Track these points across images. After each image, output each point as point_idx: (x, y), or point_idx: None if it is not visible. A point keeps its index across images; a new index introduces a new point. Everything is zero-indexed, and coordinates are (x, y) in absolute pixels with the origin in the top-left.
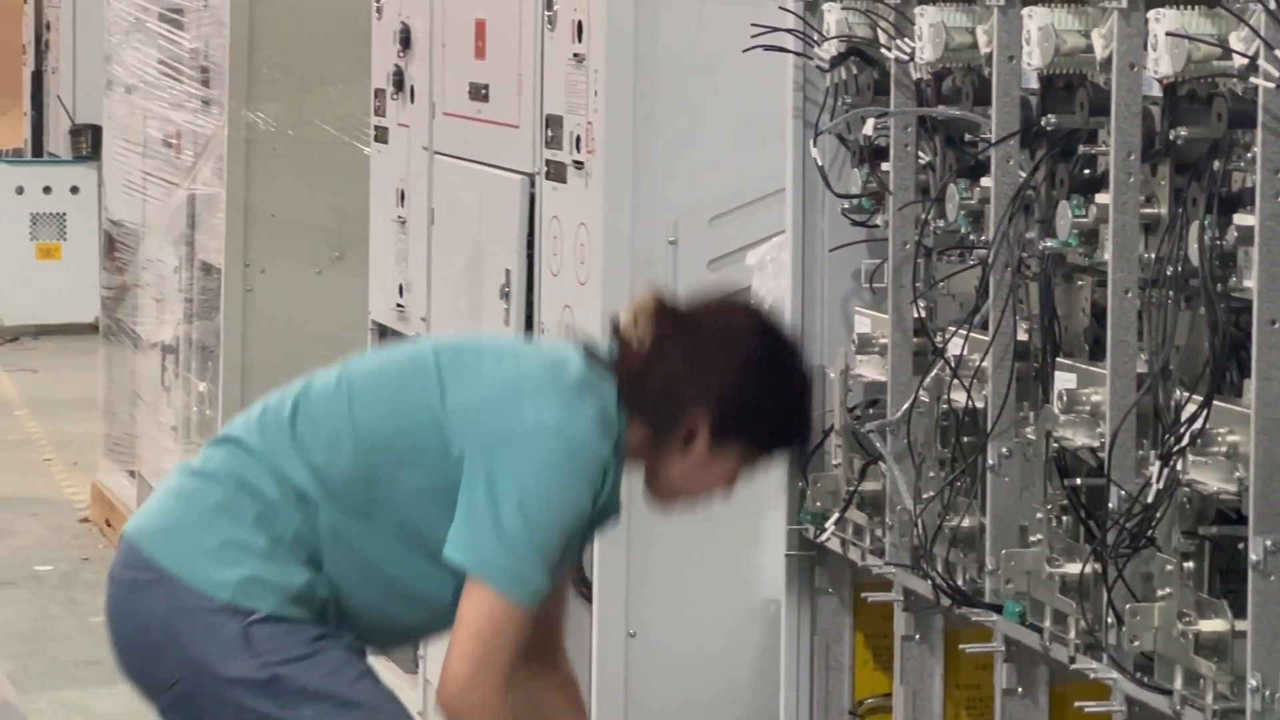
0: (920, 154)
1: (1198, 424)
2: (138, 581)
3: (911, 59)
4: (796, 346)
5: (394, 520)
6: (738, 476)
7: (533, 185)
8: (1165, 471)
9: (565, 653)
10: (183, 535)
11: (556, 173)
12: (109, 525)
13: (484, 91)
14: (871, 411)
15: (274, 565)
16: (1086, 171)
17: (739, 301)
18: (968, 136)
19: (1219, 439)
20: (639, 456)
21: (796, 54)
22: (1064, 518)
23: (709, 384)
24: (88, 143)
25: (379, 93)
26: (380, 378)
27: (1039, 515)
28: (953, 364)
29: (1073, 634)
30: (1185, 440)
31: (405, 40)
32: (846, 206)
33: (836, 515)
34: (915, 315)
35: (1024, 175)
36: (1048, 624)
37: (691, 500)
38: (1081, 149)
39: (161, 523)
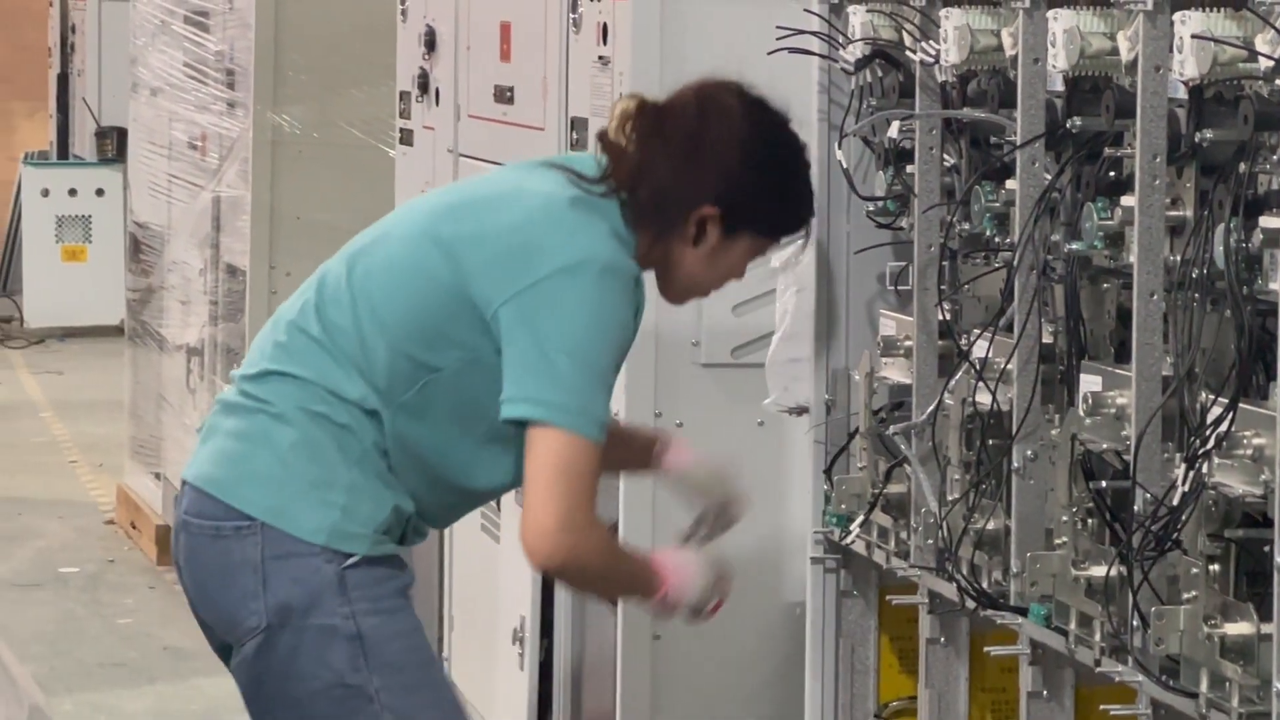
0: (945, 156)
1: (1223, 427)
2: (221, 529)
3: (937, 61)
4: (786, 119)
5: (448, 407)
6: (749, 261)
7: None
8: (1191, 474)
9: None
10: (267, 481)
11: None
12: (134, 527)
13: (509, 94)
14: (896, 414)
15: (362, 499)
16: (1112, 174)
17: (718, 85)
18: (993, 139)
19: (1244, 442)
20: (650, 263)
21: (821, 56)
22: (1089, 520)
23: (708, 177)
24: (113, 145)
25: (404, 95)
26: (390, 272)
27: (1064, 518)
28: (978, 366)
29: (1098, 637)
30: (1211, 443)
31: (430, 43)
32: (871, 209)
33: (861, 518)
34: (940, 318)
35: (1049, 178)
36: (1073, 627)
37: (705, 292)
38: (1107, 151)
39: (239, 469)
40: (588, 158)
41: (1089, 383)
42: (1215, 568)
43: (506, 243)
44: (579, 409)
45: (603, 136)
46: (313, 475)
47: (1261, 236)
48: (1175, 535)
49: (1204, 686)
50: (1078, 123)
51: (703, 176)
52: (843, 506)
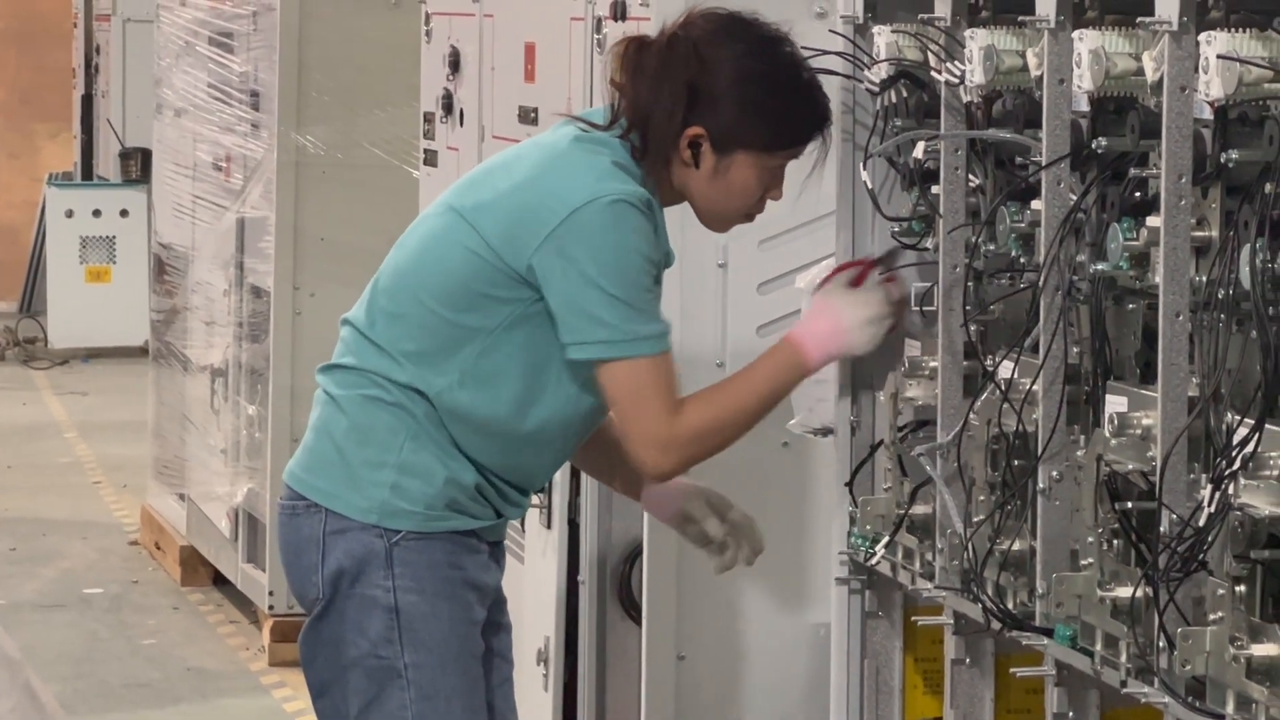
0: (970, 177)
1: (1249, 447)
2: (296, 509)
3: (962, 82)
4: (775, 35)
5: (522, 364)
6: (769, 177)
7: None
8: (1217, 495)
9: None
10: (327, 467)
11: None
12: (158, 548)
13: (533, 115)
14: (921, 435)
15: (413, 477)
16: (1137, 194)
17: (700, 12)
18: (1018, 159)
19: (1271, 462)
20: (672, 197)
21: (846, 77)
22: (1115, 541)
23: (681, 98)
24: (137, 166)
25: (428, 116)
26: (423, 249)
27: (1090, 539)
28: (1003, 387)
29: (1124, 658)
30: (1237, 464)
31: (454, 64)
32: (896, 229)
33: (886, 539)
34: (965, 338)
35: (1074, 198)
36: (1099, 648)
37: (737, 215)
38: (1132, 172)
39: (308, 458)
40: (601, 109)
41: (1114, 403)
42: (1241, 589)
43: (519, 200)
44: (626, 335)
45: (611, 79)
46: (364, 458)
47: None
48: (1201, 556)
49: (1230, 708)
50: (1103, 143)
51: (676, 98)
52: (868, 528)
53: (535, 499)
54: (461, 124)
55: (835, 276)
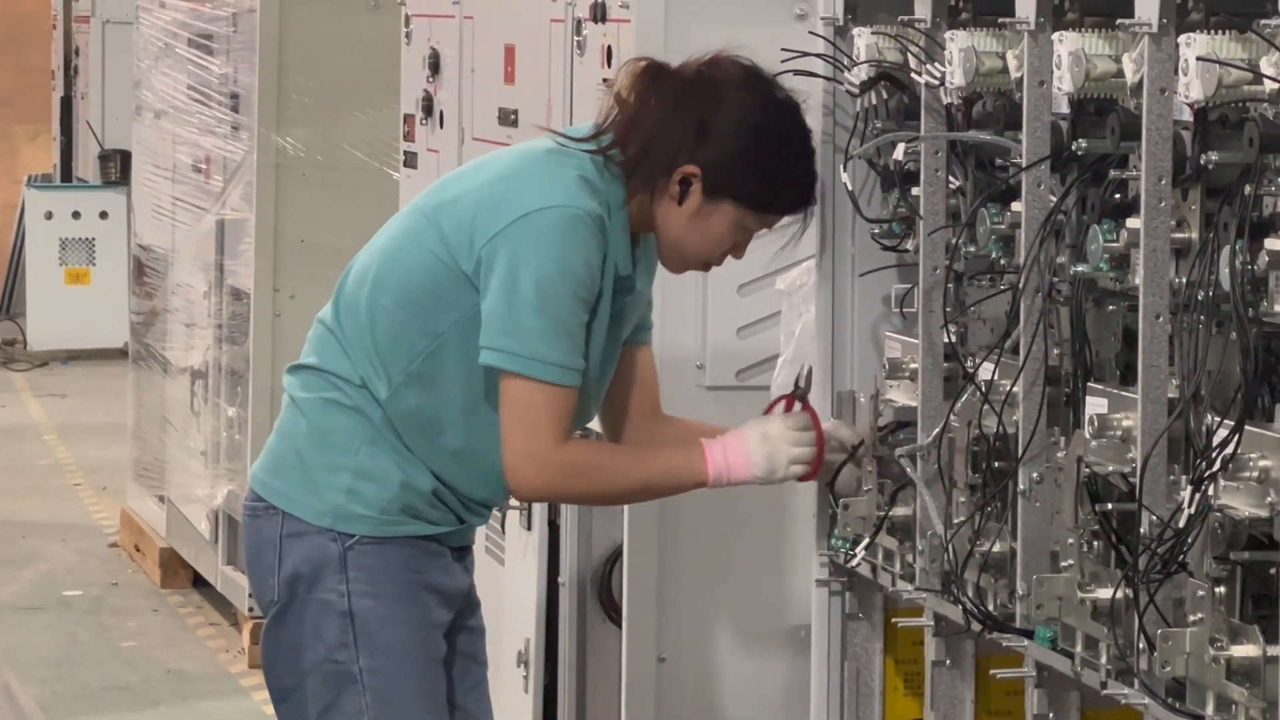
0: (951, 179)
1: (1229, 449)
2: (256, 510)
3: (942, 83)
4: (791, 100)
5: (459, 372)
6: (741, 235)
7: None
8: (1197, 496)
9: (659, 408)
10: (287, 470)
11: None
12: (138, 550)
13: (513, 116)
14: (902, 436)
15: (369, 481)
16: (1117, 196)
17: (727, 56)
18: (998, 161)
19: (1250, 464)
20: (644, 223)
21: (826, 79)
22: (1095, 543)
23: (691, 135)
24: (117, 168)
25: (408, 118)
26: (387, 248)
27: (1070, 540)
28: (983, 389)
29: (1104, 659)
30: (1217, 465)
31: (434, 66)
32: (876, 231)
33: (867, 540)
34: (946, 340)
35: (1055, 200)
36: (1079, 649)
37: (699, 260)
38: (1112, 174)
39: (268, 461)
40: (586, 125)
41: (1095, 405)
42: (1221, 590)
43: (478, 198)
44: (534, 354)
45: (616, 94)
46: (323, 462)
47: (1267, 259)
48: (1181, 558)
49: (1210, 709)
50: (1083, 145)
51: (686, 133)
52: (848, 529)
53: (515, 501)
54: (441, 126)
55: (775, 408)
